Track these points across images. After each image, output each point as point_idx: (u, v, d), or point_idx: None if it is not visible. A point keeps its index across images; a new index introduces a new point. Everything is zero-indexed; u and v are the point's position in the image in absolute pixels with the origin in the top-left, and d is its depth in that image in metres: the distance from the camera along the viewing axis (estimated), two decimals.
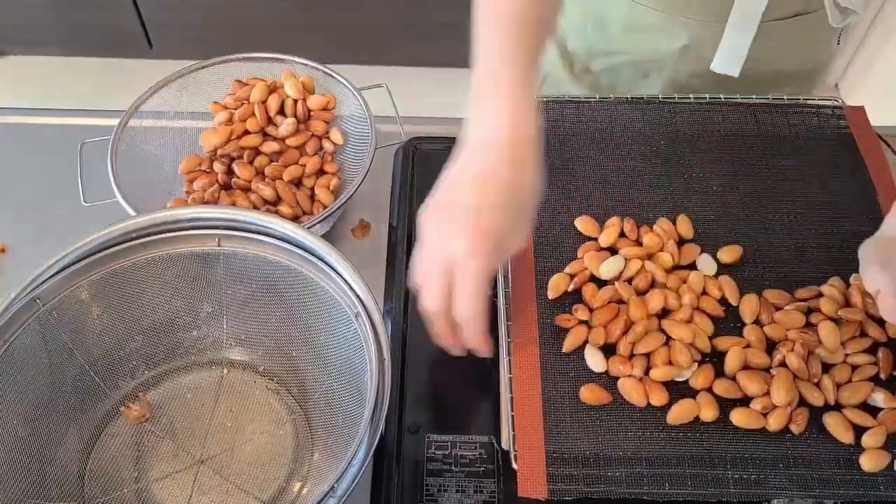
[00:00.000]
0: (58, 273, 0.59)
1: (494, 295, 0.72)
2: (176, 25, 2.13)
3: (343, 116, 0.81)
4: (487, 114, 0.54)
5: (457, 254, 0.52)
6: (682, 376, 0.59)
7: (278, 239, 0.62)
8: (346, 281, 0.59)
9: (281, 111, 0.79)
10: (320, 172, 0.78)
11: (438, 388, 0.69)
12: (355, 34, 2.11)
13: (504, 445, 0.61)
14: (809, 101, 0.76)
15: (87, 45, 2.21)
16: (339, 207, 0.71)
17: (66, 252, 0.59)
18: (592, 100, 0.76)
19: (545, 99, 0.76)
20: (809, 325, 0.61)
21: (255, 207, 0.74)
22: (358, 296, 0.58)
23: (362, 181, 0.72)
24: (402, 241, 0.79)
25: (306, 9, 2.05)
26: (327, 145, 0.79)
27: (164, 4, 2.08)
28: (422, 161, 0.85)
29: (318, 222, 0.70)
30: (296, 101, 0.78)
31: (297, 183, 0.76)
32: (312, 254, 0.61)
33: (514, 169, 0.53)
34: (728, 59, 0.80)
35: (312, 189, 0.76)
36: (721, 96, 0.76)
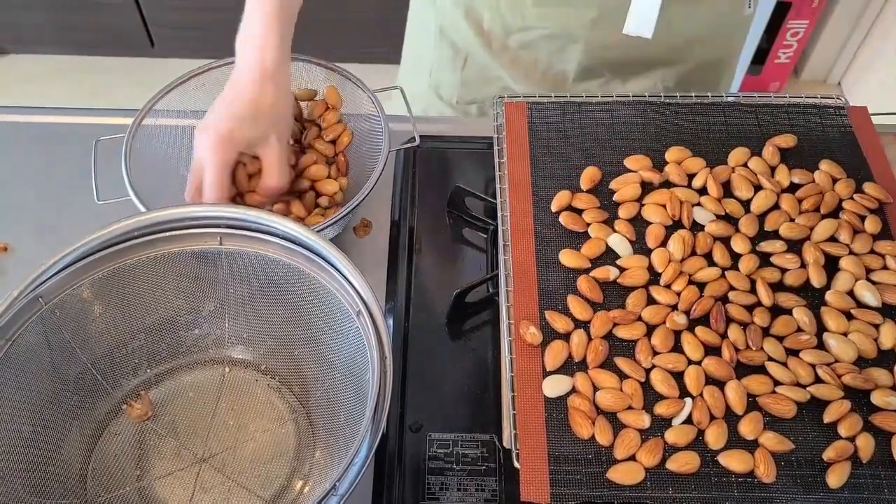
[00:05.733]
0: (60, 272, 0.59)
1: (496, 294, 0.72)
2: (178, 24, 2.13)
3: (355, 114, 0.81)
4: (243, 62, 0.70)
5: (202, 152, 0.67)
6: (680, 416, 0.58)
7: (280, 238, 0.62)
8: (347, 279, 0.59)
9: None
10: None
11: (440, 386, 0.69)
12: (359, 31, 2.10)
13: (506, 444, 0.61)
14: (812, 101, 0.76)
15: (89, 44, 2.21)
16: (348, 212, 0.70)
17: (68, 251, 0.59)
18: (593, 100, 0.76)
19: (547, 100, 0.76)
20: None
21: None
22: (360, 294, 0.58)
23: (374, 186, 0.71)
24: (404, 240, 0.79)
25: (309, 5, 2.05)
26: (340, 146, 0.79)
27: (165, 3, 2.08)
28: (423, 159, 0.85)
29: (329, 226, 0.70)
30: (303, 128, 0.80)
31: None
32: (314, 252, 0.61)
33: (257, 92, 0.69)
34: (640, 21, 0.82)
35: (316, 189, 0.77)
36: (723, 95, 0.76)
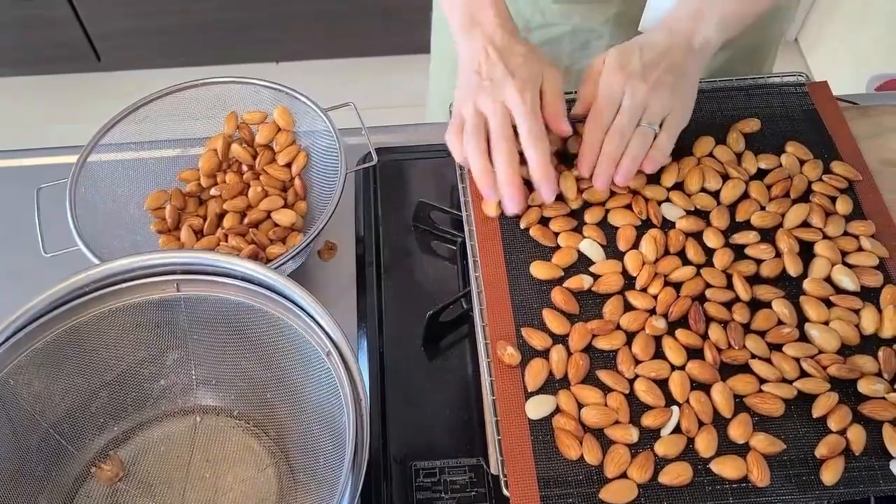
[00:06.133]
0: (9, 338, 0.56)
1: (470, 309, 0.70)
2: (122, 35, 2.07)
3: (311, 131, 0.78)
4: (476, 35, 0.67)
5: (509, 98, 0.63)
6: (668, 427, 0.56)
7: (239, 279, 0.59)
8: (314, 319, 0.57)
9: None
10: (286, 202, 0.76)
11: (421, 412, 0.67)
12: (310, 28, 2.06)
13: (493, 470, 0.59)
14: (772, 80, 0.75)
15: (35, 64, 2.15)
16: (309, 241, 0.68)
17: (14, 316, 0.56)
18: None
19: None
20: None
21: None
22: (328, 334, 0.56)
23: (333, 213, 0.68)
24: (371, 259, 0.76)
25: (253, 9, 2.00)
26: (296, 168, 0.76)
27: (107, 15, 2.02)
28: (385, 172, 0.83)
29: (291, 258, 0.67)
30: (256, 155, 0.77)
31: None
32: (276, 292, 0.58)
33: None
34: (657, 15, 0.76)
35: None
36: None
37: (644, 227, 0.65)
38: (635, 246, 0.64)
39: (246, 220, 0.73)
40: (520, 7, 0.85)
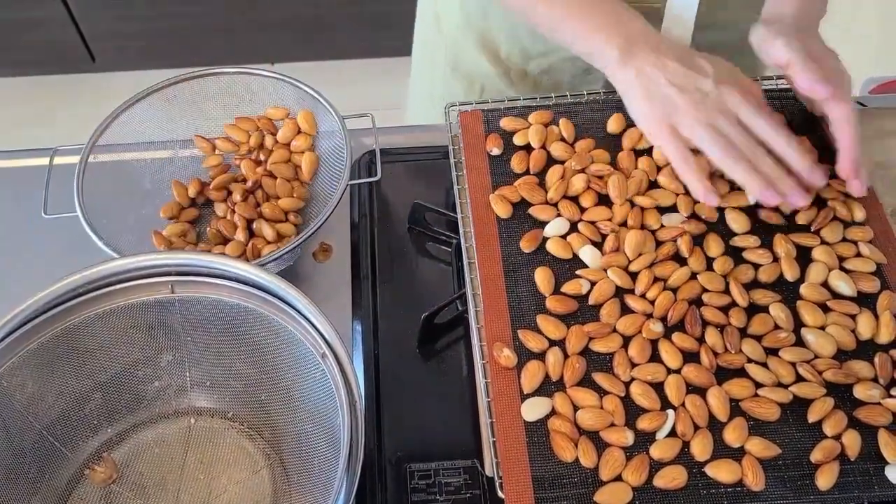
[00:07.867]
0: (1, 341, 0.56)
1: (465, 311, 0.70)
2: (117, 36, 2.07)
3: (321, 131, 0.78)
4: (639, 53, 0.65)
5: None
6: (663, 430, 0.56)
7: (234, 280, 0.59)
8: (309, 321, 0.57)
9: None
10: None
11: (416, 413, 0.67)
12: (302, 30, 2.06)
13: (488, 472, 0.59)
14: (770, 85, 0.74)
15: (29, 64, 2.14)
16: (301, 242, 0.67)
17: (8, 317, 0.55)
18: (549, 102, 0.73)
19: (503, 105, 0.74)
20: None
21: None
22: (323, 336, 0.56)
23: (329, 216, 0.68)
24: (367, 261, 0.76)
25: (248, 11, 2.00)
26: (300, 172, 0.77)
27: (102, 16, 2.01)
28: (382, 173, 0.82)
29: (284, 254, 0.67)
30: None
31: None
32: (271, 294, 0.58)
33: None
34: (678, 18, 0.76)
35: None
36: None
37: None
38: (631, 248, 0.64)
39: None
40: (519, 35, 0.84)
